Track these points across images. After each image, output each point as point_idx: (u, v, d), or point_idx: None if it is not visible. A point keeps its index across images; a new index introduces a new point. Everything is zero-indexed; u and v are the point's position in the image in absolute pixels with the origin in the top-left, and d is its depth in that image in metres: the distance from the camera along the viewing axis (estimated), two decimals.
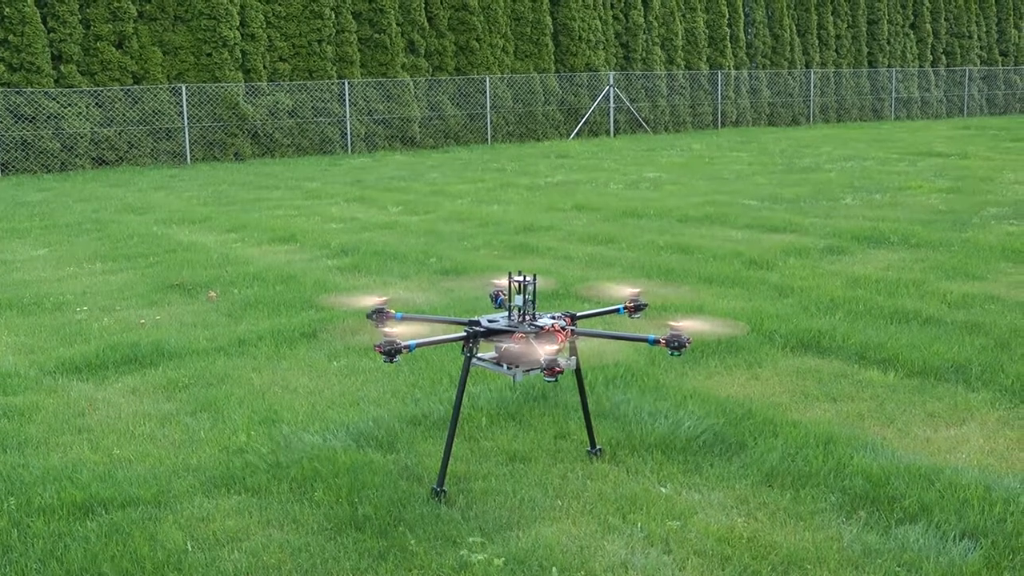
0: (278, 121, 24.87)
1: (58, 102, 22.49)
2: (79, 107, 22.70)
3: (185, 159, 23.77)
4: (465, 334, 4.57)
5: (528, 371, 4.56)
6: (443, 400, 5.81)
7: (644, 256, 10.34)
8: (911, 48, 38.84)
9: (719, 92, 32.80)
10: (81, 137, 22.65)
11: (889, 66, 38.04)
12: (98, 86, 22.99)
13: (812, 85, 35.49)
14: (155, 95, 23.54)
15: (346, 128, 25.77)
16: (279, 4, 25.03)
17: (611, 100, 30.08)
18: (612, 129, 30.29)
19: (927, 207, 13.41)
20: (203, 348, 7.15)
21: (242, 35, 24.46)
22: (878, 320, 7.45)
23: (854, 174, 17.73)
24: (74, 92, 22.62)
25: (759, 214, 13.00)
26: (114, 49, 23.26)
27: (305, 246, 11.52)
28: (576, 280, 8.96)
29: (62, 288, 9.48)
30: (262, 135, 24.78)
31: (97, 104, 22.98)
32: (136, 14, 23.51)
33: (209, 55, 24.04)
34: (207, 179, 19.83)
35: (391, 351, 4.33)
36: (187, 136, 23.80)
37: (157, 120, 23.54)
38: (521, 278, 4.60)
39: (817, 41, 35.87)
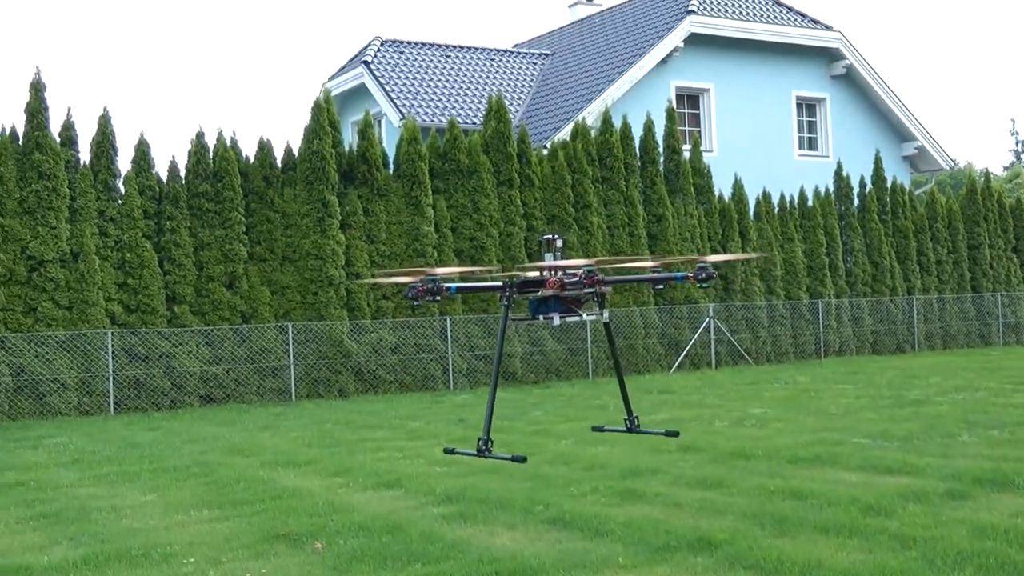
0: (381, 358, 25.25)
1: (170, 341, 23.18)
2: (190, 346, 23.35)
3: (290, 396, 24.14)
4: (502, 284, 5.03)
5: (564, 317, 4.96)
6: None
7: (755, 502, 10.05)
8: (1015, 272, 38.42)
9: (820, 321, 32.61)
10: (191, 375, 23.21)
11: (994, 290, 37.59)
12: (208, 325, 23.70)
13: (915, 312, 35.15)
14: (262, 333, 24.15)
15: (448, 364, 26.04)
16: (383, 244, 25.78)
17: (711, 332, 30.07)
18: (714, 361, 30.16)
19: None
20: None
21: (347, 274, 25.15)
22: None
23: (967, 407, 17.26)
24: (186, 331, 23.32)
25: (871, 453, 12.64)
26: (224, 289, 24.08)
27: (410, 492, 11.44)
28: (688, 530, 8.71)
29: (170, 537, 9.49)
30: (366, 372, 25.12)
31: (207, 343, 23.62)
32: (247, 256, 24.41)
33: (315, 294, 24.71)
34: (312, 418, 20.03)
35: (434, 289, 4.65)
36: (292, 373, 24.24)
37: (264, 358, 24.07)
38: (550, 236, 5.06)
39: (918, 267, 35.69)
